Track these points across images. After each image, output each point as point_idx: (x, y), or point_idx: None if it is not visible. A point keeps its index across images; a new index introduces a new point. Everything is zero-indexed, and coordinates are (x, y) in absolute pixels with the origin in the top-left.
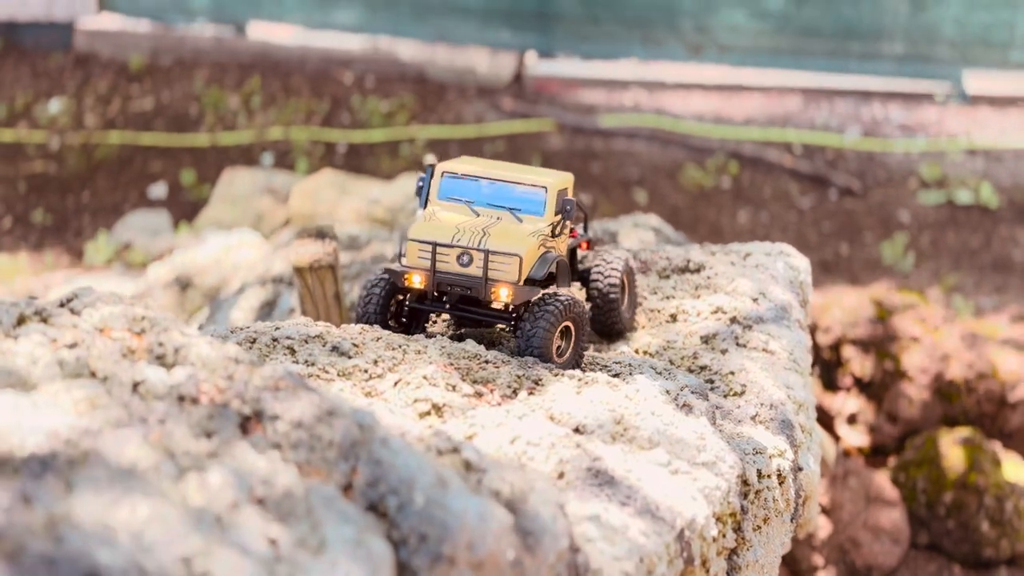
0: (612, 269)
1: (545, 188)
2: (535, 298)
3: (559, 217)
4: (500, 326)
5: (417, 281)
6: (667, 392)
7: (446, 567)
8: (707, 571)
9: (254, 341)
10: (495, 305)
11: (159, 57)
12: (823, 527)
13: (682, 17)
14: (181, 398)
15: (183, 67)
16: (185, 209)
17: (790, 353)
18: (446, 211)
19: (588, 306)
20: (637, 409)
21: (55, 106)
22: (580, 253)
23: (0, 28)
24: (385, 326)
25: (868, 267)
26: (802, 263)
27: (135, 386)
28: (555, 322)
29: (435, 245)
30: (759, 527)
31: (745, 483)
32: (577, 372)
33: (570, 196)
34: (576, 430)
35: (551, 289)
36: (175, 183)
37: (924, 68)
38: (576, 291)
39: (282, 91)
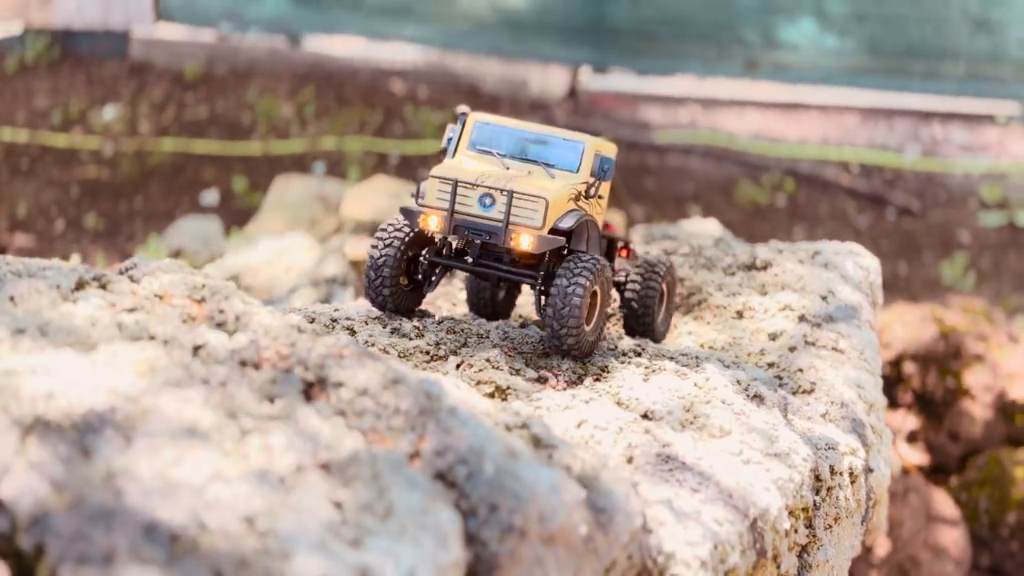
0: (655, 274)
1: (582, 144)
2: (570, 258)
3: (595, 179)
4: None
5: (434, 224)
6: (737, 382)
7: (516, 540)
8: (778, 566)
9: (312, 320)
10: (518, 251)
11: (214, 66)
12: (882, 544)
13: (739, 33)
14: (243, 363)
15: (237, 77)
16: (237, 216)
17: (860, 352)
18: (475, 161)
19: (619, 310)
20: (707, 397)
21: (109, 113)
22: (618, 261)
23: (57, 36)
24: (396, 285)
25: (927, 287)
26: (872, 263)
27: (196, 349)
28: (592, 281)
29: (456, 183)
30: (830, 526)
31: (818, 478)
32: (643, 360)
33: (614, 156)
34: (644, 416)
35: (587, 258)
36: (227, 190)
37: (986, 88)
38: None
39: (335, 101)
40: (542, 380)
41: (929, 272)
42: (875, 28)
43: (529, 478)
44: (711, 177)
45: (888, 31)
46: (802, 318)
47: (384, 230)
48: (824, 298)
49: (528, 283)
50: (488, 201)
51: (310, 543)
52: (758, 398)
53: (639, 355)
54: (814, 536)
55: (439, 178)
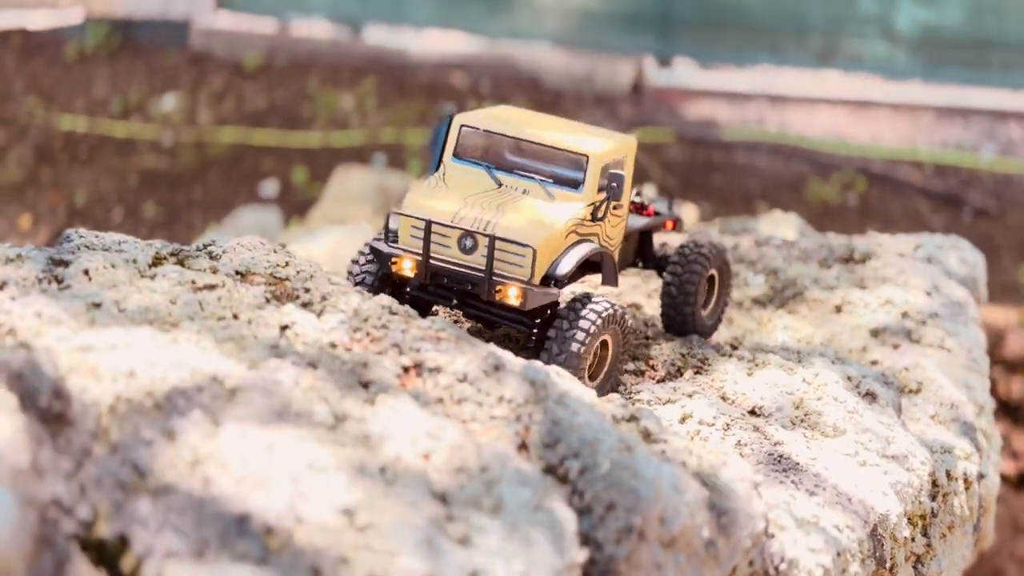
0: (700, 255)
1: (586, 158)
2: (578, 296)
3: (603, 196)
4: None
5: (408, 268)
6: (848, 378)
7: (635, 542)
8: None
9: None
10: (510, 304)
11: (274, 57)
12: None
13: (811, 24)
14: (332, 344)
15: (297, 67)
16: (296, 207)
17: (968, 352)
18: (460, 177)
19: (659, 297)
20: (818, 394)
21: (169, 102)
22: (661, 237)
23: (117, 24)
24: None
25: (1006, 290)
26: (976, 258)
27: (283, 329)
28: (590, 338)
29: (429, 223)
30: (944, 535)
31: (934, 483)
32: (746, 352)
33: (624, 169)
34: (752, 412)
35: (584, 287)
36: (286, 181)
37: None
38: (614, 296)
39: (396, 93)
40: (639, 372)
41: (1008, 275)
42: (955, 19)
43: (649, 475)
44: (779, 175)
45: (967, 22)
46: (905, 314)
47: (355, 262)
48: (928, 294)
49: (523, 331)
50: (469, 243)
51: (415, 540)
52: (871, 396)
53: (736, 348)
54: (929, 545)
55: (411, 217)
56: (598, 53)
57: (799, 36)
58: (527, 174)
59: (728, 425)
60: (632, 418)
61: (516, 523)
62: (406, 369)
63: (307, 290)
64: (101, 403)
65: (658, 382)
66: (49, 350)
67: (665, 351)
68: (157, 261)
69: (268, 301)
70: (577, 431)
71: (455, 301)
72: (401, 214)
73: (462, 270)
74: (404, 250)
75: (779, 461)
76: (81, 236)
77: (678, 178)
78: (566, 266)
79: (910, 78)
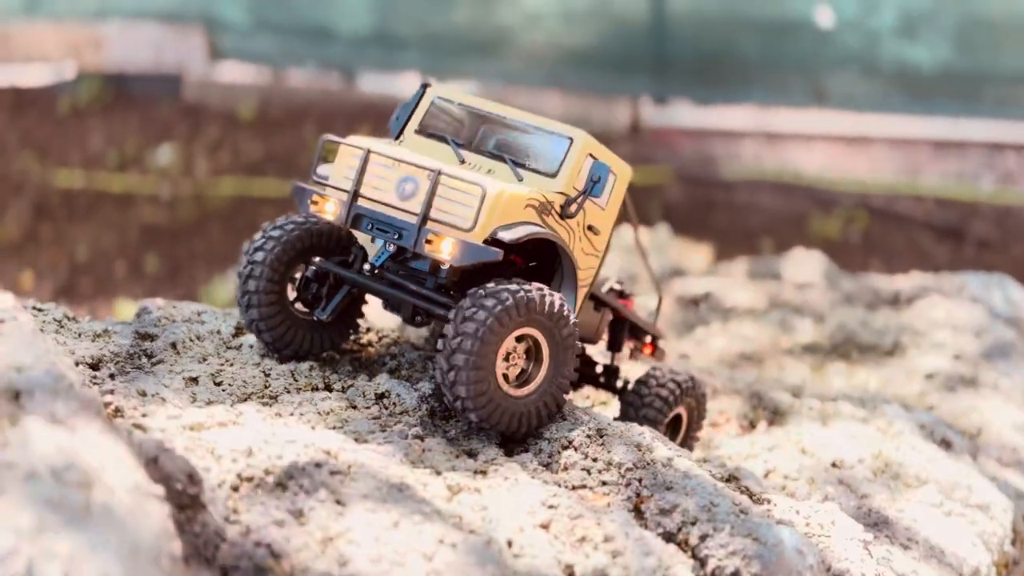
0: (664, 391)
1: (570, 140)
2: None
3: (580, 193)
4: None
5: (329, 210)
6: (921, 426)
7: None
8: None
9: None
10: (437, 261)
11: (268, 106)
12: None
13: (804, 62)
14: (432, 413)
15: (292, 116)
16: None
17: (1023, 392)
18: (420, 146)
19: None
20: (895, 444)
21: (165, 155)
22: (627, 359)
23: (110, 78)
24: (278, 305)
25: None
26: (1021, 295)
27: (379, 398)
28: (509, 314)
29: (368, 153)
30: None
31: (1013, 529)
32: (815, 402)
33: (613, 188)
34: (834, 464)
35: (510, 282)
36: None
37: None
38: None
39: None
40: (713, 425)
41: None
42: (947, 53)
43: (771, 539)
44: (780, 212)
45: (961, 57)
46: (957, 357)
47: (263, 229)
48: (977, 335)
49: (443, 317)
50: (409, 188)
51: None
52: (946, 444)
53: (797, 397)
54: None
55: (350, 147)
56: (594, 95)
57: (792, 75)
58: (497, 153)
59: (812, 479)
60: (731, 478)
61: None
62: (508, 437)
63: (393, 356)
64: (225, 483)
65: (734, 437)
66: (164, 431)
67: (736, 403)
68: (239, 331)
69: (356, 370)
70: (692, 496)
71: (367, 268)
72: (336, 141)
73: (392, 214)
74: (332, 186)
75: (868, 515)
76: (159, 308)
77: (679, 218)
78: (515, 232)
79: (905, 112)
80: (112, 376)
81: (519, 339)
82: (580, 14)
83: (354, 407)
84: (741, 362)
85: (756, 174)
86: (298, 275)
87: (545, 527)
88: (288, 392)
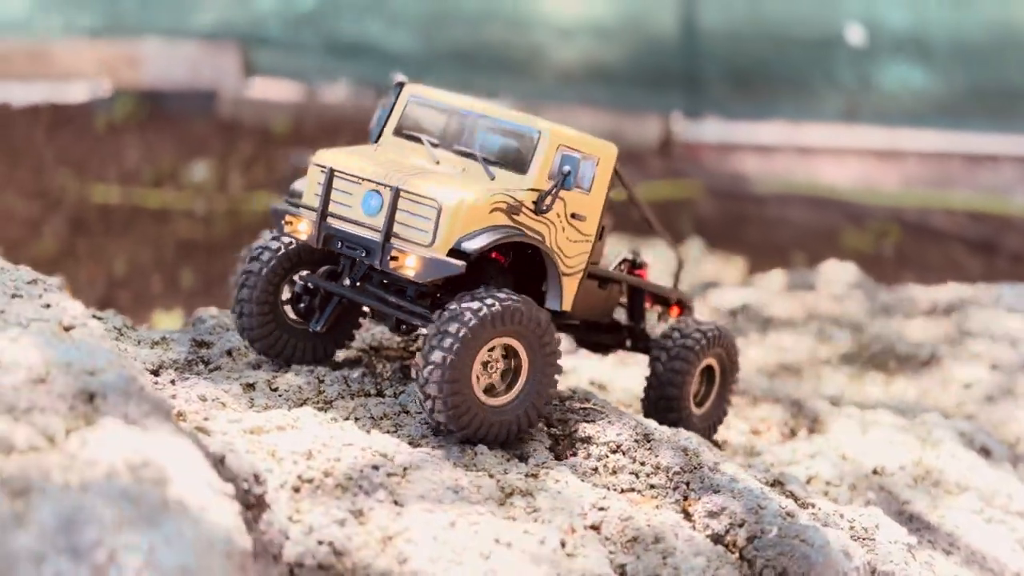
0: (685, 343)
1: (539, 134)
2: (461, 294)
3: (553, 186)
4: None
5: (303, 230)
6: (961, 434)
7: None
8: None
9: None
10: (405, 275)
11: (302, 122)
12: None
13: (837, 78)
14: None
15: (326, 132)
16: None
17: None
18: (396, 149)
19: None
20: (936, 451)
21: (200, 171)
22: (655, 317)
23: (145, 95)
24: (272, 316)
25: None
26: None
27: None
28: (482, 327)
29: (332, 172)
30: None
31: None
32: (855, 411)
33: (595, 172)
34: (874, 471)
35: (489, 292)
36: None
37: None
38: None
39: None
40: (754, 432)
41: None
42: (976, 70)
43: (818, 541)
44: (812, 226)
45: (988, 72)
46: (994, 367)
47: (261, 238)
48: (1014, 345)
49: (421, 326)
50: (375, 203)
51: None
52: (985, 451)
53: (836, 405)
54: None
55: (314, 165)
56: (625, 111)
57: (823, 91)
58: (470, 151)
59: (854, 485)
60: (776, 482)
61: None
62: (557, 440)
63: None
64: (287, 484)
65: (774, 444)
66: (226, 434)
67: (777, 411)
68: None
69: (407, 376)
70: (740, 499)
71: (346, 282)
72: (312, 162)
73: (359, 232)
74: (304, 206)
75: (910, 521)
76: (213, 317)
77: (711, 232)
78: (479, 241)
79: (937, 128)
80: (172, 382)
81: (495, 349)
82: (611, 31)
83: (407, 412)
84: (780, 372)
85: (787, 188)
86: (293, 287)
87: (596, 528)
88: (342, 398)
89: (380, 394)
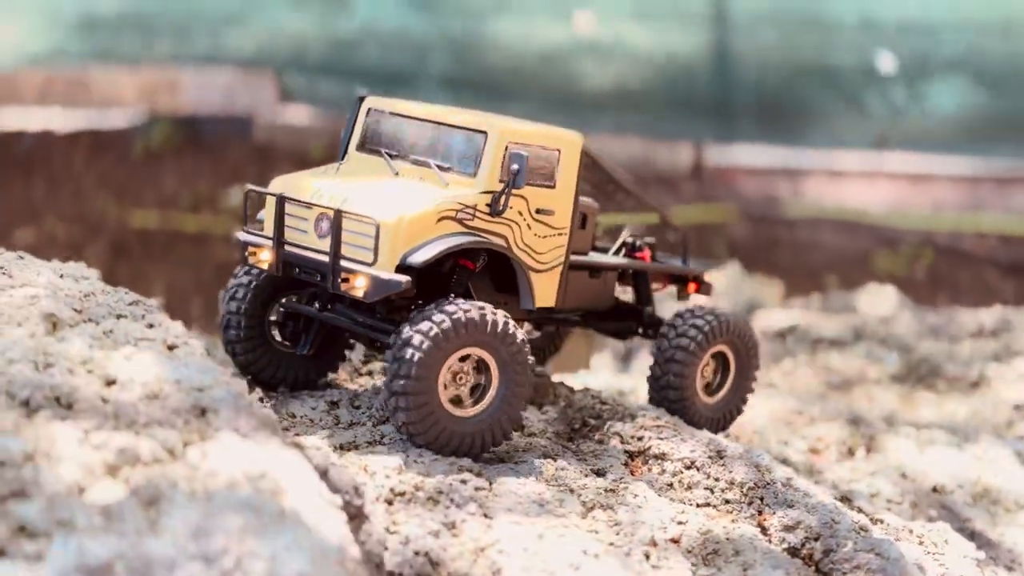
0: (697, 326)
1: (484, 134)
2: (431, 302)
3: (504, 187)
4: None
5: (265, 259)
6: (1018, 454)
7: None
8: None
9: None
10: (356, 296)
11: (336, 149)
12: None
13: (867, 106)
14: (557, 434)
15: None
16: None
17: None
18: (358, 166)
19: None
20: (994, 470)
21: (237, 196)
22: (668, 295)
23: (182, 121)
24: (256, 330)
25: None
26: None
27: None
28: (447, 335)
29: (283, 200)
30: None
31: None
32: (910, 430)
33: (556, 167)
34: (934, 489)
35: (449, 303)
36: None
37: None
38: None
39: None
40: (813, 452)
41: None
42: (1007, 96)
43: (893, 554)
44: (844, 249)
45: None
46: None
47: (235, 275)
48: None
49: (384, 342)
50: (325, 227)
51: None
52: None
53: (891, 425)
54: None
55: (266, 195)
56: (658, 139)
57: (854, 120)
58: (425, 160)
59: (916, 503)
60: (845, 498)
61: None
62: (632, 456)
63: None
64: (381, 497)
65: (833, 463)
66: (320, 449)
67: (834, 429)
68: (368, 358)
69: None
70: (815, 513)
71: (317, 305)
72: (254, 190)
73: (313, 256)
74: (265, 237)
75: (972, 537)
76: None
77: (743, 255)
78: (425, 254)
79: (967, 153)
80: (261, 400)
81: (465, 359)
82: (643, 59)
83: None
84: (830, 392)
85: (818, 212)
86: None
87: (676, 541)
88: None
89: None
